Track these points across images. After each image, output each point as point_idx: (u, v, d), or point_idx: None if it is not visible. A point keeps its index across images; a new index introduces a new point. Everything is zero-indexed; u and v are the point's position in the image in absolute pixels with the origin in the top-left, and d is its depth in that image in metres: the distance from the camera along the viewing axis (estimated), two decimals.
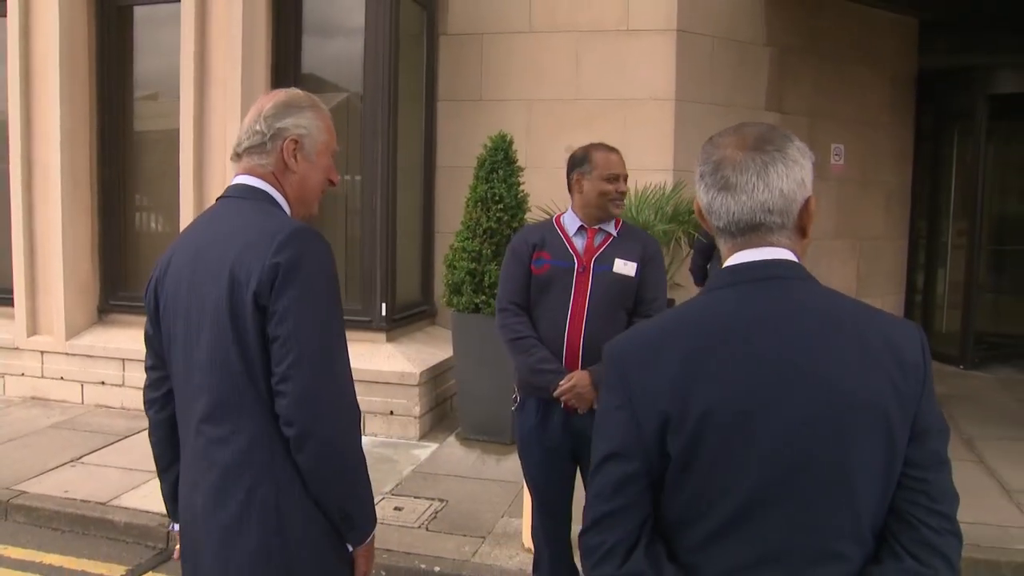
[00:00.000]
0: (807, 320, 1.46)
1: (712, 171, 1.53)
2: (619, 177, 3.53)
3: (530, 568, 3.99)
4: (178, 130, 6.67)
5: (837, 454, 1.41)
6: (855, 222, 8.85)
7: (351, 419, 1.99)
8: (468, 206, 6.08)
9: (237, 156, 2.13)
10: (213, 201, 6.34)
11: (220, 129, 6.51)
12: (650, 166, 6.92)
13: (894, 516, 1.47)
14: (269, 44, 6.60)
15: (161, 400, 2.20)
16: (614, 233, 3.54)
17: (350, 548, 2.07)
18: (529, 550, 4.30)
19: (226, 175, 6.36)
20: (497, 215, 5.92)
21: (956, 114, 9.53)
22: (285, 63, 6.70)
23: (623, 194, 3.56)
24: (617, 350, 1.55)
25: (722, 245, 1.57)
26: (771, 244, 1.52)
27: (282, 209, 2.10)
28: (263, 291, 1.88)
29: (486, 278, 5.89)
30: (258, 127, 2.08)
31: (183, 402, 2.08)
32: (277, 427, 1.91)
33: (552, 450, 3.53)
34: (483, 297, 5.91)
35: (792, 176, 1.51)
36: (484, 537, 4.62)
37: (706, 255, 5.92)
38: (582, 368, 3.40)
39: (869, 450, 1.42)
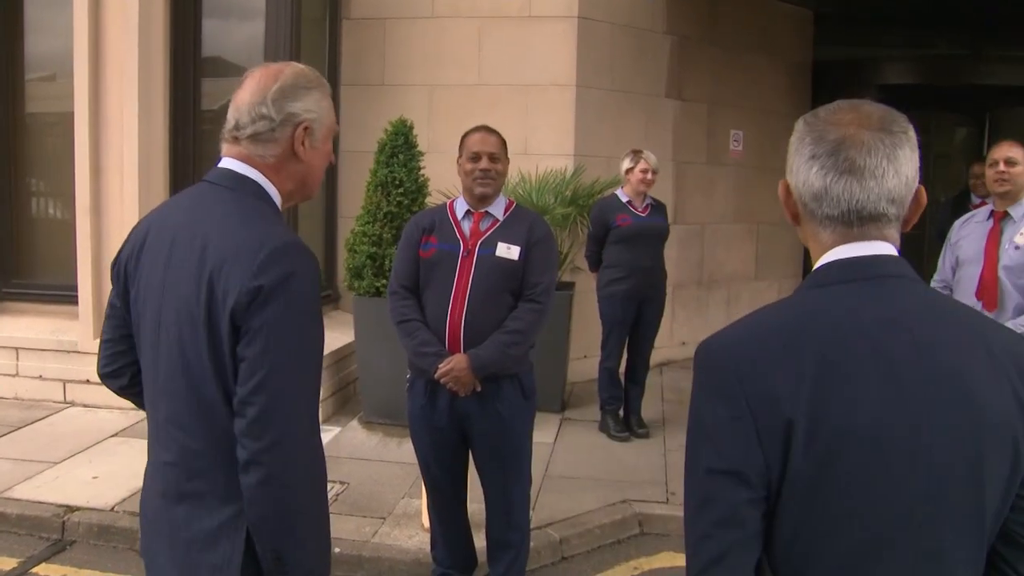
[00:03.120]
0: (934, 323, 1.32)
1: (831, 151, 1.35)
2: (480, 156, 3.54)
3: (428, 547, 4.06)
4: (73, 113, 6.52)
5: (975, 477, 1.28)
6: (753, 206, 9.10)
7: (308, 456, 1.82)
8: (369, 190, 6.09)
9: (235, 140, 1.92)
10: (110, 188, 6.21)
11: (116, 111, 6.36)
12: (551, 151, 7.02)
13: (1006, 541, 1.34)
14: (167, 25, 6.49)
15: (115, 374, 2.09)
16: (501, 217, 3.59)
17: None
18: (428, 530, 4.36)
19: (123, 160, 6.26)
20: (397, 199, 5.94)
21: None
22: (184, 45, 6.58)
23: (486, 172, 3.54)
24: (722, 350, 1.35)
25: (825, 236, 1.39)
26: (884, 238, 1.37)
27: (272, 203, 1.92)
28: (240, 311, 1.74)
29: (387, 262, 5.91)
30: (264, 110, 1.87)
31: (150, 393, 1.96)
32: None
33: (440, 430, 3.59)
34: (384, 281, 5.93)
35: (915, 162, 1.37)
36: (384, 518, 4.66)
37: (600, 242, 6.03)
38: (464, 351, 3.45)
39: (998, 473, 1.29)
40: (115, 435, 5.79)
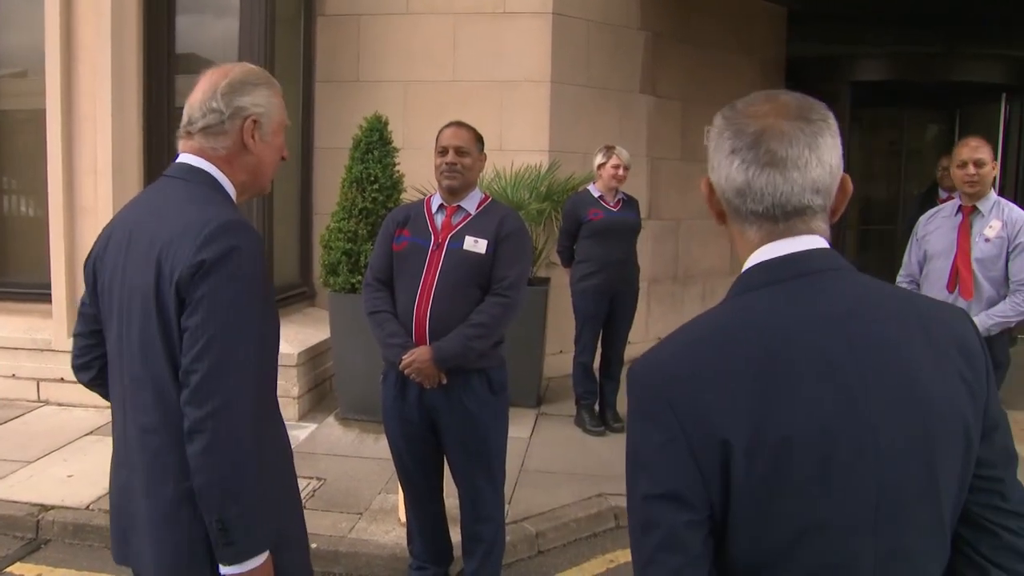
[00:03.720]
0: (872, 319, 1.27)
1: (751, 144, 1.29)
2: (448, 150, 3.57)
3: (405, 542, 4.07)
4: (45, 109, 6.48)
5: (929, 471, 1.25)
6: None
7: (252, 425, 1.85)
8: (344, 187, 6.09)
9: (188, 135, 2.03)
10: (83, 186, 6.20)
11: (89, 108, 6.32)
12: (526, 147, 7.05)
13: (967, 523, 1.33)
14: (140, 21, 6.45)
15: (85, 366, 2.18)
16: (473, 212, 3.61)
17: (221, 571, 1.87)
18: (405, 524, 4.38)
19: (96, 158, 6.22)
20: (373, 195, 5.95)
21: (822, 100, 9.90)
22: (158, 41, 6.55)
23: (452, 165, 3.57)
24: (649, 372, 1.29)
25: (752, 233, 1.34)
26: (813, 231, 1.32)
27: (224, 192, 2.02)
28: (184, 286, 1.82)
29: (362, 258, 5.91)
30: (214, 105, 1.99)
31: (115, 381, 2.04)
32: None
33: (410, 422, 3.61)
34: (359, 277, 5.93)
35: (838, 149, 1.32)
36: (361, 513, 4.67)
37: (572, 237, 6.06)
38: (428, 343, 3.47)
39: (953, 459, 1.27)
40: (89, 433, 5.77)
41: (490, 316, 3.48)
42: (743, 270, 1.35)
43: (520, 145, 7.05)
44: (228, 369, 1.82)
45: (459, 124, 3.65)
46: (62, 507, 4.66)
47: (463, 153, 3.57)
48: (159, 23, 6.57)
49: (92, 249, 2.10)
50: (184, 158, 2.03)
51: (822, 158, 1.29)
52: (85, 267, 2.11)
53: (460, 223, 3.57)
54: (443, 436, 3.62)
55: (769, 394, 1.20)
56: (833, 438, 1.20)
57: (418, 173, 6.35)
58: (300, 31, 7.26)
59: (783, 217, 1.30)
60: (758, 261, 1.32)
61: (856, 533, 1.23)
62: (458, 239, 3.53)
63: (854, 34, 9.58)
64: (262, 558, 1.89)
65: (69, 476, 5.07)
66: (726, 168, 1.32)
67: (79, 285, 6.41)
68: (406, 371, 3.45)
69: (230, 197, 2.04)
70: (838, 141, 1.32)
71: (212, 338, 1.81)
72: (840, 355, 1.23)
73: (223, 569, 1.87)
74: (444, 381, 3.47)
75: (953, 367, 1.28)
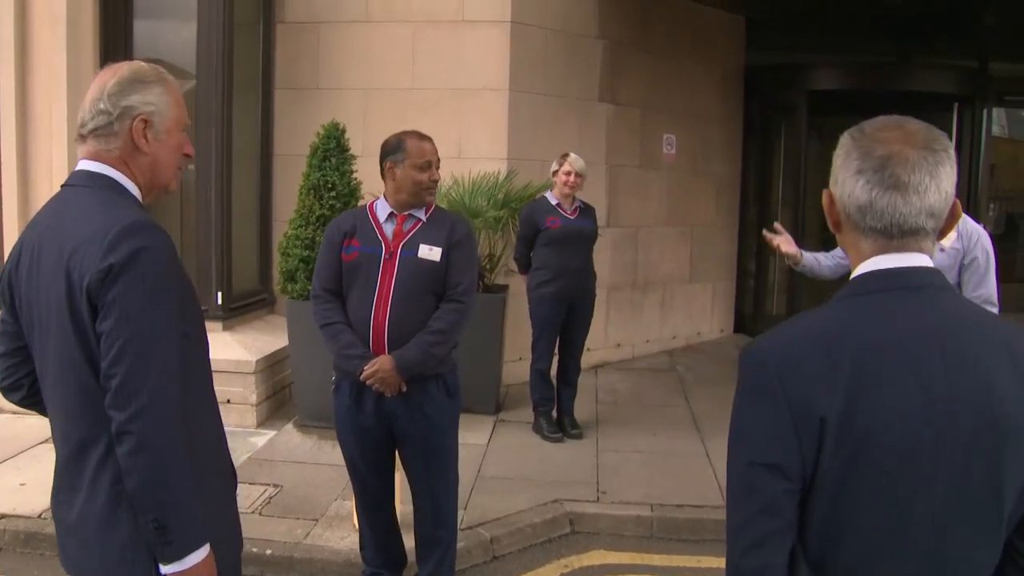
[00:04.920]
0: (965, 335, 1.42)
1: (878, 167, 1.44)
2: (431, 164, 3.60)
3: (359, 547, 4.09)
4: None
5: (993, 477, 1.39)
6: (687, 210, 9.24)
7: (177, 423, 1.85)
8: (301, 194, 6.09)
9: (81, 138, 1.99)
10: (39, 193, 6.11)
11: (45, 115, 6.27)
12: (484, 155, 7.08)
13: (1022, 534, 1.47)
14: (96, 26, 6.41)
15: (14, 387, 2.14)
16: (423, 219, 3.62)
17: (162, 571, 1.87)
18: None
19: (52, 163, 6.18)
20: (330, 203, 5.96)
21: (781, 108, 10.09)
22: (115, 46, 6.50)
23: (436, 182, 3.64)
24: (766, 355, 1.46)
25: (867, 245, 1.49)
26: (921, 250, 1.46)
27: (129, 195, 1.99)
28: (94, 291, 1.81)
29: None
30: (102, 106, 1.95)
31: (46, 394, 2.03)
32: None
33: (366, 431, 3.62)
34: None
35: (954, 178, 1.46)
36: (317, 520, 4.67)
37: (529, 244, 6.11)
38: (388, 352, 3.48)
39: (1016, 472, 1.41)
40: (44, 442, 5.70)
41: (448, 322, 3.51)
42: (855, 275, 1.51)
43: (478, 153, 7.08)
44: (147, 369, 1.82)
45: (424, 136, 3.67)
46: (14, 515, 4.63)
47: (438, 166, 3.65)
48: (116, 27, 6.54)
49: (5, 266, 2.07)
50: (83, 165, 2.00)
51: (940, 185, 1.44)
52: None
53: (411, 230, 3.59)
54: (401, 442, 3.64)
55: (864, 388, 1.37)
56: (913, 432, 1.37)
57: (377, 181, 6.31)
58: (259, 38, 7.24)
59: (899, 235, 1.46)
60: (870, 270, 1.48)
61: (921, 514, 1.39)
62: (411, 247, 3.55)
63: (811, 43, 9.73)
64: (202, 553, 1.90)
65: (22, 484, 5.02)
66: (851, 186, 1.47)
67: None
68: (368, 381, 3.46)
69: (135, 198, 2.01)
70: (955, 170, 1.47)
71: (127, 341, 1.81)
72: (931, 363, 1.39)
73: (164, 568, 1.87)
74: (404, 389, 3.49)
75: None
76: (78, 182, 2.00)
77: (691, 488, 5.25)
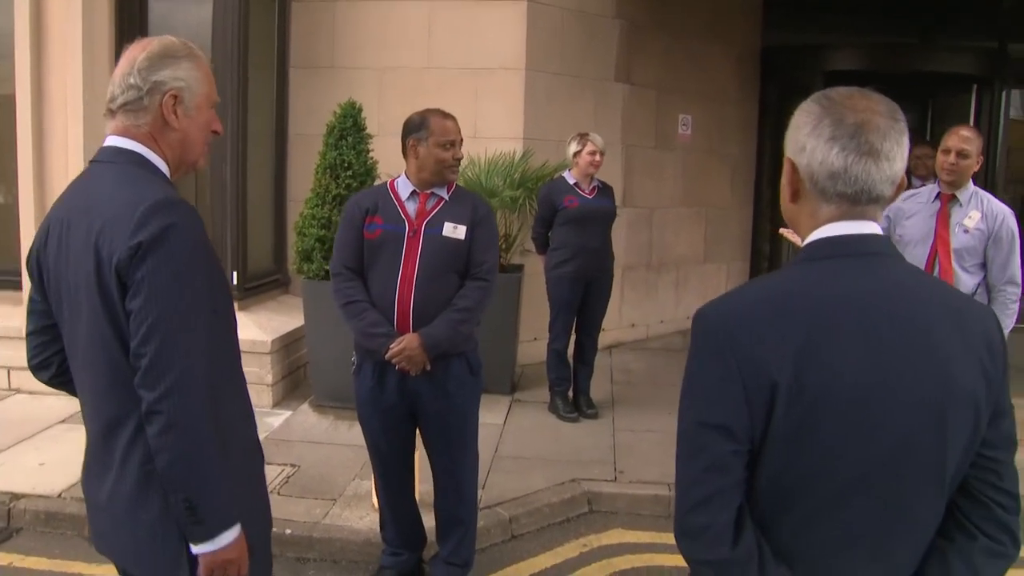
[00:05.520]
0: (915, 302, 1.46)
1: (852, 134, 1.45)
2: (455, 143, 3.58)
3: (378, 527, 4.09)
4: (14, 95, 6.40)
5: (938, 438, 1.43)
6: (702, 190, 9.20)
7: (207, 402, 1.85)
8: (318, 173, 6.07)
9: (111, 112, 1.98)
10: (54, 169, 6.10)
11: (60, 93, 6.25)
12: (500, 134, 7.04)
13: (964, 495, 1.52)
14: (111, 2, 6.38)
15: (43, 365, 2.14)
16: (446, 197, 3.60)
17: (193, 551, 1.89)
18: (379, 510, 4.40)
19: (67, 138, 6.16)
20: (347, 182, 5.94)
21: (797, 89, 9.94)
22: (130, 23, 6.48)
23: (459, 160, 3.63)
24: (718, 318, 1.48)
25: (825, 211, 1.51)
26: (875, 219, 1.51)
27: (157, 171, 1.98)
28: (123, 269, 1.80)
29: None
30: (132, 80, 1.93)
31: (76, 373, 2.03)
32: None
33: (389, 411, 3.61)
34: None
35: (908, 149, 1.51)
36: (335, 499, 4.68)
37: (547, 224, 6.08)
38: (413, 330, 3.47)
39: (961, 433, 1.45)
40: (62, 422, 5.73)
41: (473, 300, 3.51)
42: (808, 241, 1.53)
43: (494, 132, 7.04)
44: (176, 348, 1.81)
45: (448, 114, 3.63)
46: (34, 495, 4.63)
47: (461, 144, 3.63)
48: (131, 2, 6.50)
49: (32, 244, 2.06)
50: (111, 141, 1.99)
51: (903, 155, 1.49)
52: (28, 263, 2.07)
53: (434, 208, 3.57)
54: (424, 421, 3.64)
55: (814, 351, 1.40)
56: (862, 393, 1.40)
57: (394, 159, 6.29)
58: (275, 16, 7.20)
59: (864, 202, 1.49)
60: (823, 236, 1.50)
61: (868, 475, 1.42)
62: (435, 225, 3.53)
63: (828, 24, 9.65)
64: (234, 532, 1.90)
65: (41, 464, 5.04)
66: (823, 152, 1.48)
67: None
68: (394, 360, 3.45)
69: (163, 174, 2.00)
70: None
71: (157, 319, 1.80)
72: (880, 326, 1.42)
73: (195, 548, 1.88)
74: (428, 367, 3.48)
75: (975, 355, 1.46)
76: (106, 158, 1.98)
77: None
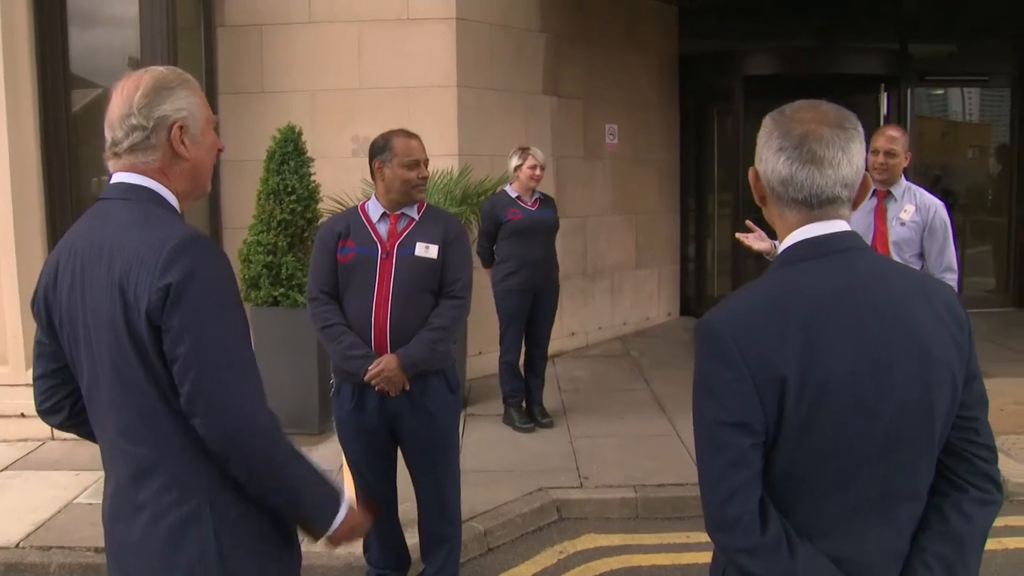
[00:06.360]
0: (888, 287, 1.61)
1: (796, 144, 1.60)
2: (419, 162, 3.61)
3: (358, 551, 4.06)
4: None
5: (926, 407, 1.58)
6: (631, 197, 9.37)
7: (266, 424, 1.88)
8: (260, 199, 5.99)
9: (116, 156, 1.94)
10: None
11: None
12: (436, 152, 6.95)
13: (949, 453, 1.66)
14: (32, 34, 6.22)
15: (53, 409, 2.09)
16: (416, 217, 3.63)
17: (329, 528, 2.01)
18: None
19: None
20: (291, 206, 5.88)
21: (716, 95, 10.32)
22: (52, 54, 6.33)
23: (425, 179, 3.65)
24: (721, 324, 1.60)
25: (791, 216, 1.65)
26: (839, 217, 1.64)
27: (168, 205, 1.95)
28: (155, 313, 1.77)
29: (283, 270, 5.85)
30: (135, 121, 1.89)
31: (97, 415, 1.97)
32: (195, 439, 1.85)
33: (370, 432, 3.62)
34: (281, 290, 5.86)
35: (863, 153, 1.64)
36: None
37: (492, 238, 6.15)
38: (391, 351, 3.49)
39: (943, 400, 1.60)
40: (5, 469, 5.53)
41: (449, 319, 3.54)
42: (785, 245, 1.67)
43: (429, 150, 6.87)
44: (227, 390, 1.82)
45: (412, 134, 3.67)
46: None
47: (426, 164, 3.66)
48: (52, 36, 6.35)
49: (38, 284, 2.01)
50: (118, 177, 1.94)
51: (852, 160, 1.62)
52: (34, 304, 2.02)
53: (405, 229, 3.59)
54: (405, 441, 3.65)
55: (813, 346, 1.53)
56: (859, 379, 1.54)
57: (331, 183, 6.31)
58: (200, 42, 7.10)
59: (818, 205, 1.63)
60: (799, 239, 1.65)
61: (871, 450, 1.56)
62: (407, 246, 3.55)
63: (742, 30, 9.92)
64: (344, 505, 2.02)
65: None
66: (773, 162, 1.65)
67: None
68: (373, 381, 3.45)
69: (175, 209, 1.97)
70: (864, 147, 1.65)
71: (204, 367, 1.79)
72: (865, 316, 1.57)
73: (322, 537, 2.00)
74: (408, 387, 3.49)
75: (946, 328, 1.63)
76: (117, 195, 1.94)
77: (669, 468, 5.36)
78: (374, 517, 2.11)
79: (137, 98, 1.90)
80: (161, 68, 2.00)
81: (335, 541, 2.04)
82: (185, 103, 1.95)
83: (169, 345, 1.79)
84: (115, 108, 1.93)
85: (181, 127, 1.93)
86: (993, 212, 11.28)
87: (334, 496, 2.02)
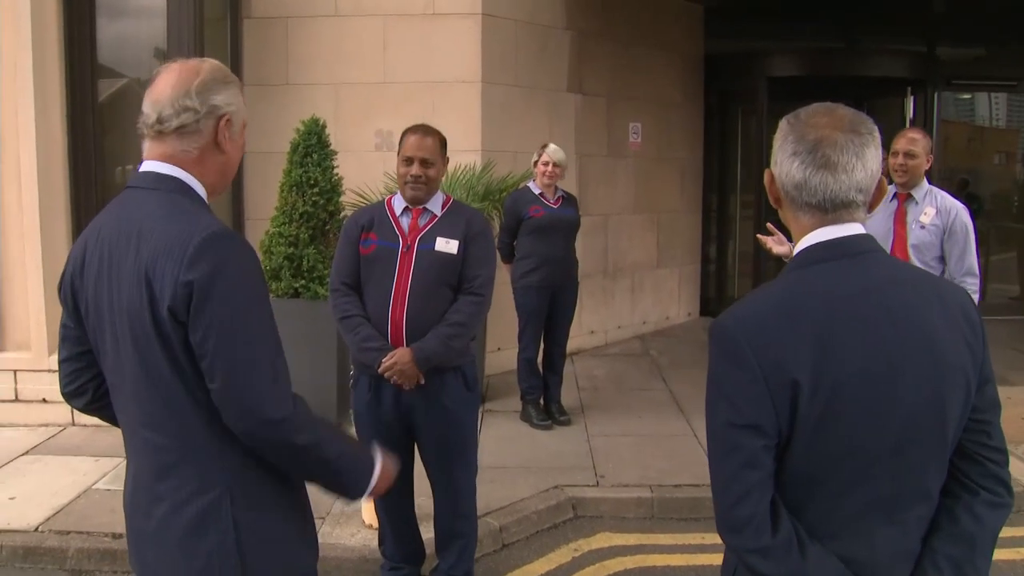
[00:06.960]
0: (902, 290, 1.61)
1: (810, 149, 1.60)
2: (413, 160, 3.57)
3: (373, 543, 4.07)
4: None
5: (938, 410, 1.58)
6: (653, 197, 9.35)
7: (292, 419, 1.88)
8: (283, 191, 6.02)
9: (158, 135, 1.93)
10: (7, 190, 5.94)
11: (11, 116, 6.12)
12: (459, 147, 7.00)
13: (961, 456, 1.67)
14: (61, 24, 6.26)
15: (78, 392, 2.11)
16: (439, 213, 3.63)
17: (367, 489, 2.08)
18: (370, 526, 4.38)
19: (20, 162, 6.03)
20: (313, 199, 5.90)
21: (740, 95, 10.25)
22: (80, 45, 6.36)
23: (418, 178, 3.57)
24: (736, 325, 1.60)
25: (806, 219, 1.65)
26: (854, 220, 1.64)
27: (198, 197, 1.95)
28: (179, 308, 1.79)
29: (304, 262, 5.87)
30: (189, 103, 1.90)
31: (120, 402, 1.99)
32: (217, 430, 1.86)
33: (386, 425, 3.62)
34: (302, 281, 5.89)
35: (879, 158, 1.63)
36: (324, 517, 4.62)
37: (512, 234, 6.15)
38: (407, 344, 3.49)
39: (955, 403, 1.60)
40: (25, 454, 5.58)
41: (466, 315, 3.53)
42: (801, 247, 1.67)
43: (452, 145, 6.92)
44: (261, 381, 1.84)
45: (424, 131, 3.64)
46: (9, 531, 4.51)
47: (428, 164, 3.57)
48: (80, 26, 6.38)
49: (65, 269, 2.02)
50: (149, 165, 1.95)
51: (866, 165, 1.61)
52: (61, 289, 2.03)
53: (427, 224, 3.60)
54: (420, 436, 3.65)
55: (826, 348, 1.54)
56: (872, 381, 1.55)
57: (353, 176, 6.32)
58: (227, 33, 7.13)
59: (832, 209, 1.63)
60: (814, 242, 1.65)
61: (883, 453, 1.57)
62: (427, 240, 3.56)
63: (768, 30, 9.87)
64: (378, 461, 2.09)
65: (11, 499, 4.90)
66: (787, 166, 1.65)
67: (6, 299, 6.22)
68: (386, 374, 3.46)
69: (204, 201, 1.98)
70: (880, 151, 1.64)
71: (235, 360, 1.81)
72: (878, 318, 1.57)
73: (365, 494, 2.08)
74: (422, 382, 3.50)
75: (959, 332, 1.63)
76: (147, 184, 1.94)
77: (686, 468, 5.34)
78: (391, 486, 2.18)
79: (197, 83, 1.93)
80: (215, 62, 2.04)
81: (373, 495, 2.12)
82: (235, 100, 1.99)
83: (198, 341, 1.80)
84: (168, 88, 1.93)
85: (228, 120, 1.96)
86: (1019, 219, 11.20)
87: (368, 463, 2.08)
